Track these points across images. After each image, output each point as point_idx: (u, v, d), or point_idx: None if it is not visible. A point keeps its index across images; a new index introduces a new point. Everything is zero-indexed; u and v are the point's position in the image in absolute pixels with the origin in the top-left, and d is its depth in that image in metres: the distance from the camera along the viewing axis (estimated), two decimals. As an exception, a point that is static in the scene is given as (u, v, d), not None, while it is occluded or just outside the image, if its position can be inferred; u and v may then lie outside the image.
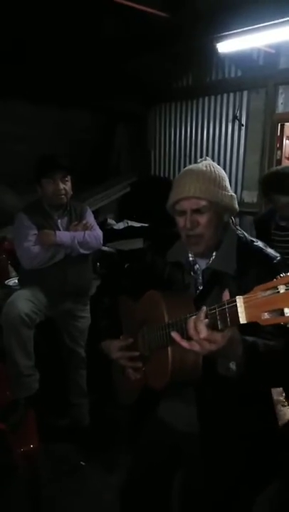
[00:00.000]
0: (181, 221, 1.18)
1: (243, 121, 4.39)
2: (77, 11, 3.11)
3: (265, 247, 1.21)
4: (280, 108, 4.13)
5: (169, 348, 1.06)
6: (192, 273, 1.24)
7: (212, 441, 1.19)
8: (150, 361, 1.18)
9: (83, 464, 2.17)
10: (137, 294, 1.31)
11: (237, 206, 1.21)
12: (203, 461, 1.20)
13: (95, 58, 3.78)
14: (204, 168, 1.17)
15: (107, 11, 3.11)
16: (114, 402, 2.26)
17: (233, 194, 1.20)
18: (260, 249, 1.20)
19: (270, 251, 1.20)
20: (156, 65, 4.19)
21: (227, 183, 1.20)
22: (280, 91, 4.10)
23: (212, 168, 1.18)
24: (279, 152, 4.20)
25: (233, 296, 0.93)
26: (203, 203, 1.13)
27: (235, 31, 2.84)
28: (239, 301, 0.83)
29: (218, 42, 3.00)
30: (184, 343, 0.94)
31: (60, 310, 2.26)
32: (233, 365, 0.98)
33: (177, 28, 3.25)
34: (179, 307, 1.09)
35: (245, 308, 0.82)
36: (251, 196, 4.37)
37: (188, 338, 0.95)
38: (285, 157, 4.27)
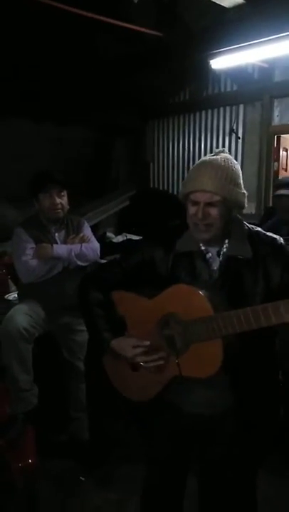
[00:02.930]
0: (192, 209, 1.22)
1: (240, 134, 4.45)
2: (75, 31, 3.20)
3: (264, 231, 1.30)
4: (276, 120, 4.19)
5: (221, 339, 1.12)
6: (203, 261, 1.27)
7: (247, 417, 1.25)
8: (188, 353, 1.21)
9: (83, 479, 2.14)
10: (129, 288, 1.34)
11: (246, 203, 1.26)
12: (237, 436, 1.27)
13: (92, 76, 3.87)
14: (222, 163, 1.20)
15: (103, 31, 3.20)
16: (114, 415, 2.28)
17: (245, 192, 1.24)
18: (265, 234, 1.29)
19: (271, 234, 1.29)
20: (152, 82, 4.28)
21: (241, 180, 1.24)
22: (276, 104, 4.17)
23: (229, 164, 1.21)
24: (276, 164, 4.24)
25: (250, 279, 1.15)
26: (217, 197, 1.18)
27: (227, 48, 2.91)
28: None
29: (211, 59, 3.07)
30: None
31: (58, 324, 2.27)
32: None
33: (171, 46, 3.33)
34: (214, 298, 1.15)
35: None
36: (250, 208, 4.39)
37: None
38: (282, 168, 4.31)
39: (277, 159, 4.27)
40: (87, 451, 2.25)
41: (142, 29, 3.16)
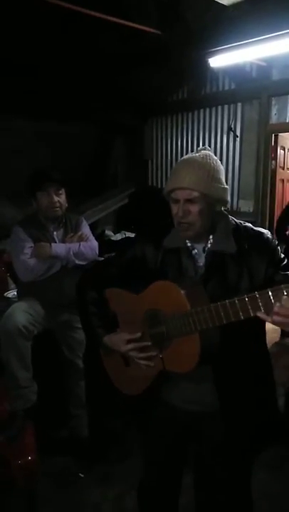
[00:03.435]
0: (174, 208, 1.23)
1: (238, 133, 4.46)
2: (74, 28, 3.20)
3: (252, 226, 1.29)
4: (274, 119, 4.20)
5: (197, 333, 1.12)
6: (189, 257, 1.27)
7: (231, 413, 1.25)
8: (170, 348, 1.22)
9: (82, 475, 2.16)
10: (123, 285, 1.36)
11: (228, 198, 1.26)
12: (225, 434, 1.26)
13: (92, 74, 3.87)
14: (200, 160, 1.21)
15: (103, 29, 3.20)
16: (113, 412, 2.30)
17: (226, 186, 1.24)
18: (251, 227, 1.28)
19: (259, 228, 1.29)
20: (151, 80, 4.29)
21: (221, 175, 1.24)
22: (273, 102, 4.18)
23: (208, 160, 1.21)
24: (273, 162, 4.26)
25: (235, 275, 1.15)
26: (196, 194, 1.18)
27: (226, 46, 2.92)
28: None
29: (209, 57, 3.07)
30: (276, 318, 0.97)
31: (58, 321, 2.28)
32: None
33: (170, 44, 3.33)
34: (194, 294, 1.16)
35: None
36: (247, 205, 4.41)
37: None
38: (280, 166, 4.33)
39: (275, 157, 4.29)
40: (86, 448, 2.26)
41: (142, 27, 3.16)
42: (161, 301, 1.22)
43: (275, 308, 0.96)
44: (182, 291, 1.16)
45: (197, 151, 1.25)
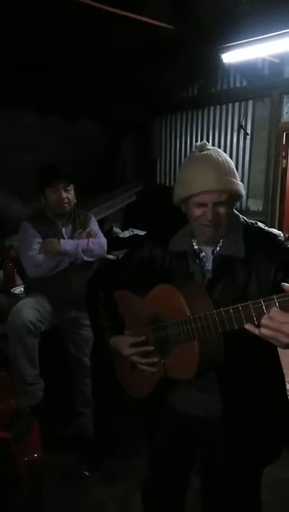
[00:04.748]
0: (198, 211, 1.16)
1: (249, 131, 4.41)
2: (85, 23, 3.17)
3: (265, 226, 1.24)
4: (285, 117, 4.14)
5: (196, 341, 1.08)
6: (197, 261, 1.23)
7: (236, 422, 1.22)
8: (171, 354, 1.19)
9: (87, 474, 2.15)
10: (133, 286, 1.33)
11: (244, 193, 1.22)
12: (229, 443, 1.23)
13: (101, 69, 3.84)
14: (218, 158, 1.15)
15: (114, 23, 3.16)
16: (118, 411, 2.28)
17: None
18: (262, 229, 1.23)
19: (271, 229, 1.23)
20: (162, 76, 4.24)
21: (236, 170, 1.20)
22: (285, 100, 4.12)
23: (223, 156, 1.17)
24: (284, 161, 4.20)
25: (243, 279, 1.11)
26: (225, 196, 1.13)
27: (239, 42, 2.87)
28: None
29: (223, 53, 3.03)
30: (264, 331, 0.89)
31: (65, 318, 2.27)
32: None
33: (183, 39, 3.29)
34: (196, 300, 1.11)
35: None
36: (257, 205, 4.37)
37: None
38: (291, 165, 4.27)
39: (286, 156, 4.23)
40: (91, 446, 2.25)
41: (153, 22, 3.11)
42: (163, 305, 1.20)
43: (263, 321, 0.89)
44: (182, 297, 1.12)
45: (203, 148, 1.18)
